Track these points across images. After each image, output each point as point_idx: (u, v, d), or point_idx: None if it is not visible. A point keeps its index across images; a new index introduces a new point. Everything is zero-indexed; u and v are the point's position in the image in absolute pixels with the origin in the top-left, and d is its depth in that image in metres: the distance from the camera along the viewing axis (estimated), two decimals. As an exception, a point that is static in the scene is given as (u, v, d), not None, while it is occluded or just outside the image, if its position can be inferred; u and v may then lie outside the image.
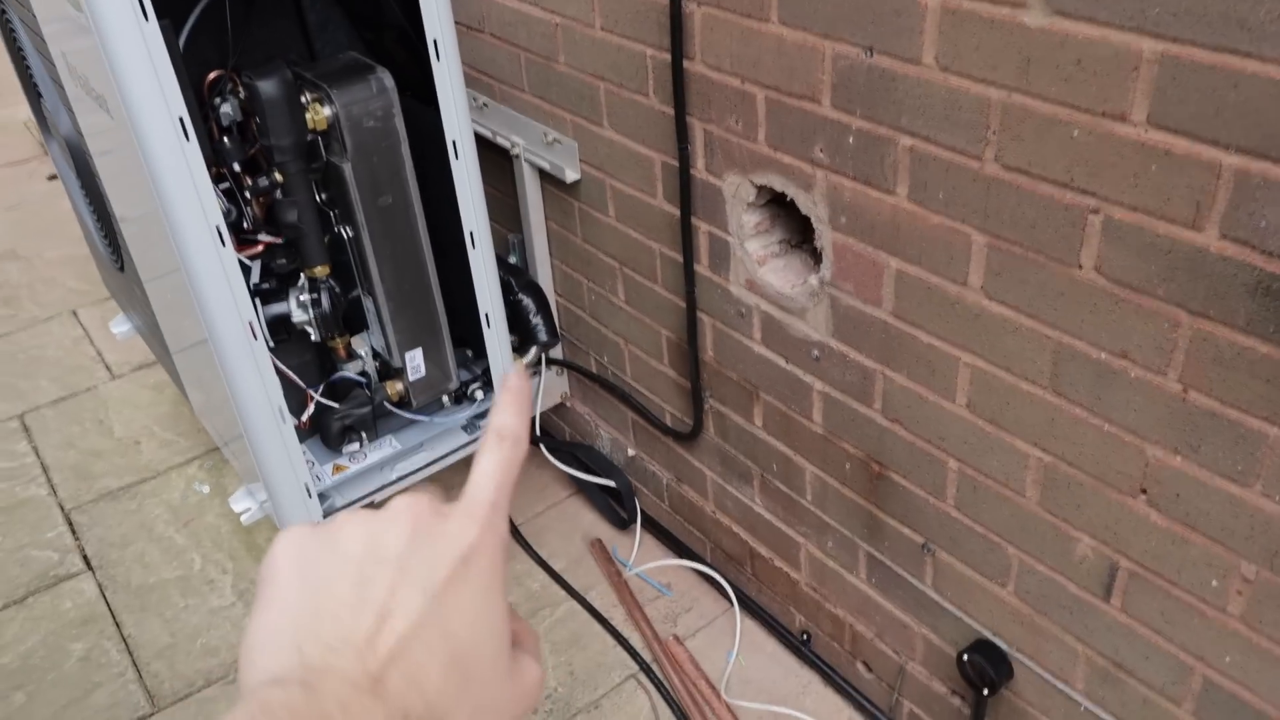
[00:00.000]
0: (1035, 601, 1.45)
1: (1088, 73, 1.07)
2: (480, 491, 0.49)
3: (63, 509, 2.56)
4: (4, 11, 2.12)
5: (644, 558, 2.28)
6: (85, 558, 2.42)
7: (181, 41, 1.62)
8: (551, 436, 2.56)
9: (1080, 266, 1.17)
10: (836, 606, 1.88)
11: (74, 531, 2.50)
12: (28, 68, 2.21)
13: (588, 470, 2.36)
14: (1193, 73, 0.99)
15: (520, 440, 0.50)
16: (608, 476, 2.32)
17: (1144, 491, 1.23)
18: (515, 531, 2.37)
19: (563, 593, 2.23)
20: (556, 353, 2.33)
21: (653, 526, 2.33)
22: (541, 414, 2.33)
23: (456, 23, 1.98)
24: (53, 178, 3.98)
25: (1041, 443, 1.32)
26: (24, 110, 4.29)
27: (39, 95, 2.25)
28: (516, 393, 0.51)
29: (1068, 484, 1.31)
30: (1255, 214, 0.99)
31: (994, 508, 1.44)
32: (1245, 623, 1.18)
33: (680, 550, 2.26)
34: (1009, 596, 1.48)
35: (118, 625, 2.24)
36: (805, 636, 2.01)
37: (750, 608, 2.12)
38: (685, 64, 1.59)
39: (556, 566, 2.28)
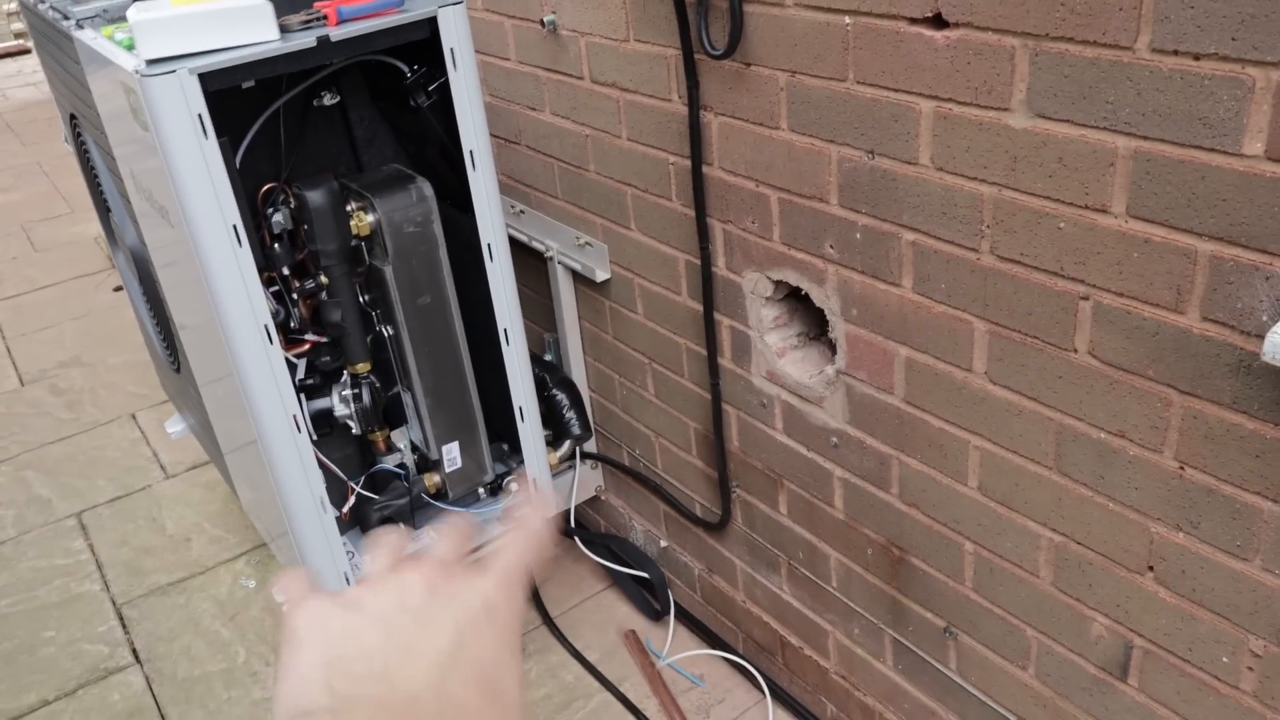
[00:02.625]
0: (1056, 684, 1.46)
1: (1069, 169, 1.15)
2: (500, 559, 0.52)
3: (114, 604, 2.64)
4: (79, 134, 2.30)
5: (677, 648, 2.30)
6: (134, 651, 2.49)
7: (238, 156, 1.75)
8: (585, 529, 2.61)
9: (1075, 350, 1.23)
10: (866, 694, 1.88)
11: (124, 626, 2.57)
12: (99, 185, 2.38)
13: (621, 562, 2.40)
14: (1164, 167, 1.06)
15: (543, 529, 0.54)
16: (641, 568, 2.36)
17: (1151, 569, 1.25)
18: (550, 623, 2.40)
19: (596, 684, 2.25)
20: (590, 446, 2.40)
21: (685, 617, 2.35)
22: (576, 507, 2.39)
23: (495, 136, 2.12)
24: (118, 289, 4.19)
25: (1051, 523, 1.36)
26: (94, 227, 4.56)
27: (108, 210, 2.42)
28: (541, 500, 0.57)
29: (1078, 563, 1.34)
30: (1231, 296, 1.05)
31: (1010, 589, 1.46)
32: (1259, 699, 1.19)
33: (713, 641, 2.28)
34: (1030, 679, 1.49)
35: (163, 717, 2.30)
36: (837, 728, 2.01)
37: (782, 698, 2.12)
38: (704, 169, 1.69)
39: (591, 658, 2.31)
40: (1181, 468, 1.17)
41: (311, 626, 0.48)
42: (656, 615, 2.38)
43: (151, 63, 1.48)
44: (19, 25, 9.11)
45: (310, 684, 0.45)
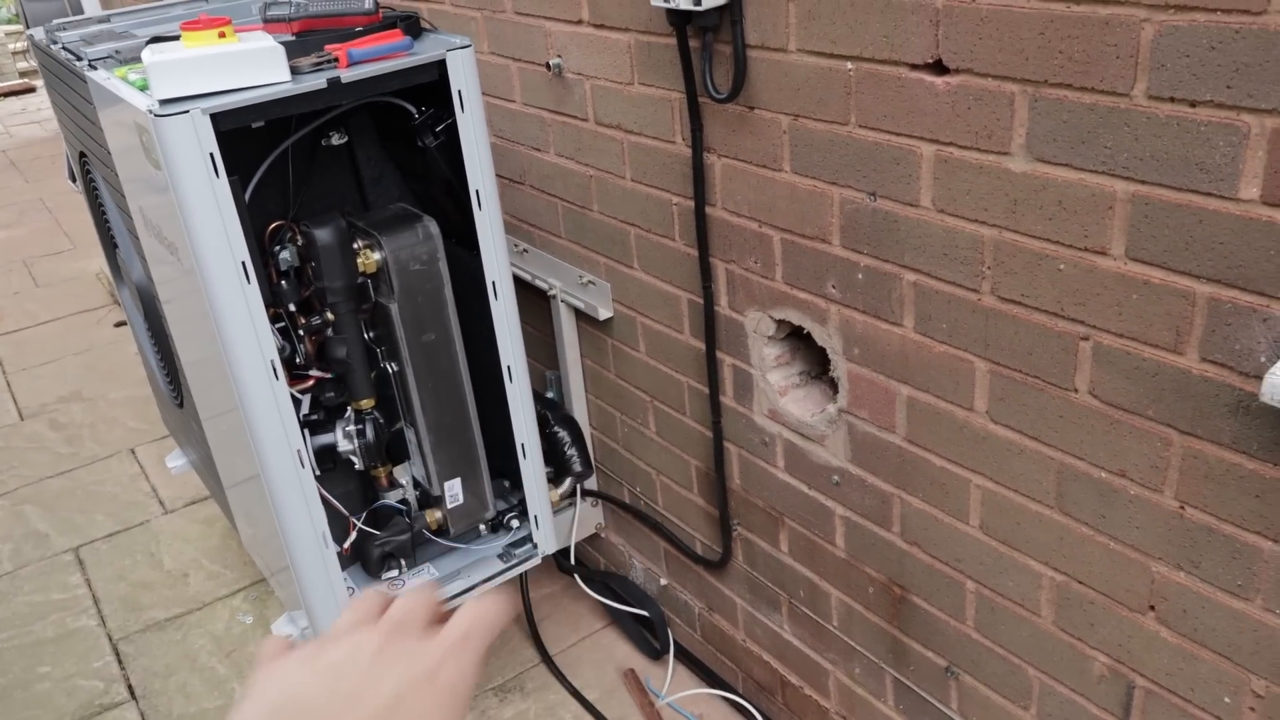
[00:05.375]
0: (1059, 724, 1.46)
1: (1069, 212, 1.17)
2: (456, 626, 0.56)
3: (111, 639, 2.63)
4: (89, 172, 2.32)
5: (676, 687, 2.29)
6: (130, 687, 2.47)
7: (247, 195, 1.78)
8: (585, 566, 2.60)
9: (1076, 390, 1.24)
10: (867, 736, 1.88)
11: (120, 661, 2.56)
12: (106, 222, 2.41)
13: (621, 600, 2.40)
14: (1162, 211, 1.08)
15: (500, 608, 0.58)
16: (641, 606, 2.36)
17: (1152, 608, 1.26)
18: (548, 661, 2.39)
19: (595, 724, 2.24)
20: (591, 484, 2.40)
21: (685, 656, 2.35)
22: (576, 545, 2.39)
23: (500, 176, 2.15)
24: (120, 325, 4.21)
25: (1052, 562, 1.36)
26: (95, 263, 4.59)
27: (114, 246, 2.44)
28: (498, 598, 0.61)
29: (1080, 603, 1.35)
30: (1230, 338, 1.07)
31: (1012, 628, 1.46)
32: (1262, 740, 1.19)
33: (712, 680, 2.27)
34: (1033, 720, 1.49)
35: (158, 755, 2.28)
36: (838, 769, 2.00)
37: (782, 739, 2.11)
38: (707, 210, 1.72)
39: (590, 697, 2.29)
40: (1182, 507, 1.18)
41: (272, 676, 0.53)
42: (656, 654, 2.37)
43: (165, 102, 1.50)
44: (24, 64, 9.21)
45: None
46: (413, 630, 0.56)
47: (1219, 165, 1.02)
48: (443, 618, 0.57)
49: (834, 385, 1.63)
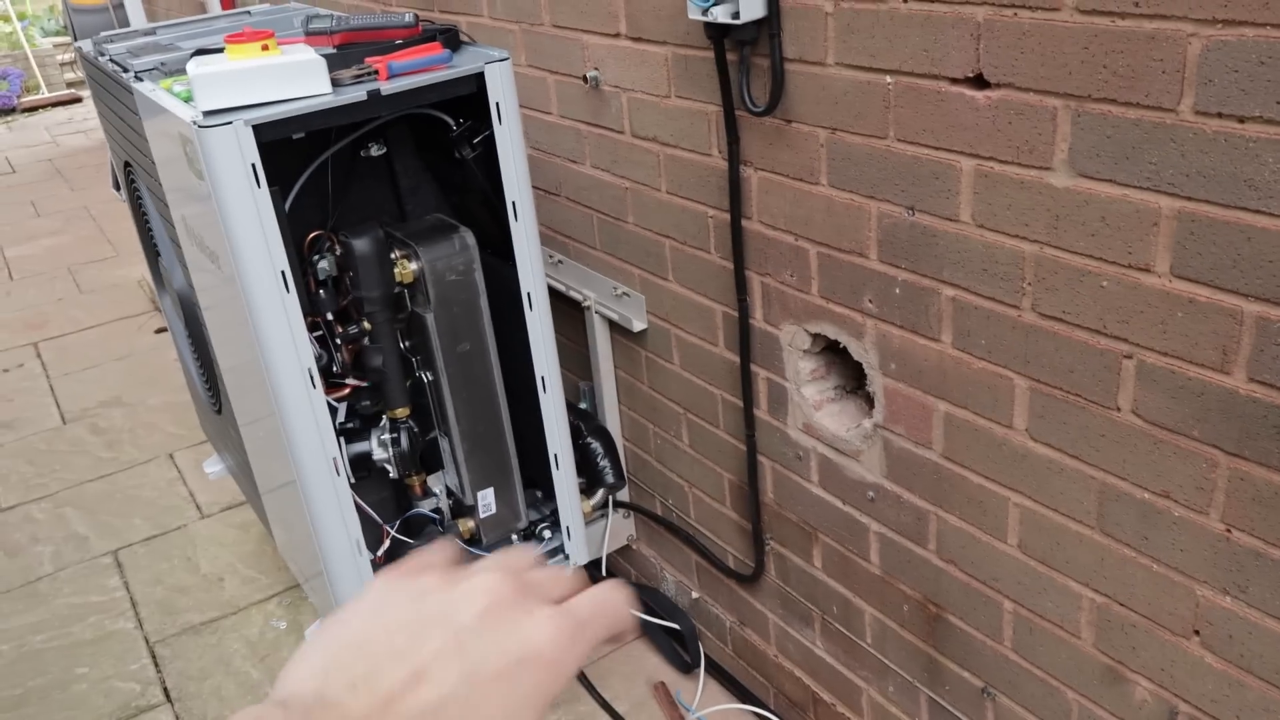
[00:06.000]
0: (1098, 749, 1.43)
1: (1112, 228, 1.15)
2: (578, 608, 0.48)
3: (147, 642, 2.66)
4: (133, 181, 2.36)
5: (707, 702, 2.28)
6: (165, 690, 2.50)
7: (287, 204, 1.79)
8: (617, 578, 2.59)
9: (1118, 409, 1.22)
10: (900, 755, 1.85)
11: (156, 664, 2.58)
12: (149, 230, 2.44)
13: (652, 613, 2.39)
14: (1208, 228, 1.06)
15: (627, 604, 0.50)
16: (672, 619, 2.35)
17: (1197, 633, 1.23)
18: (579, 672, 2.39)
19: (625, 737, 2.23)
20: (623, 496, 2.40)
21: (716, 670, 2.33)
22: (608, 556, 2.38)
23: (536, 188, 2.15)
24: (160, 331, 4.27)
25: (1093, 583, 1.34)
26: (138, 270, 4.65)
27: (157, 255, 2.47)
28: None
29: (1121, 625, 1.32)
30: (1279, 358, 1.04)
31: (1051, 650, 1.44)
32: (1309, 770, 1.16)
33: (743, 695, 2.26)
34: (1071, 743, 1.47)
35: (192, 759, 2.30)
36: (870, 788, 1.97)
37: (814, 757, 2.09)
38: (743, 223, 1.71)
39: (620, 709, 2.29)
40: (1228, 530, 1.15)
41: (371, 598, 0.46)
42: (687, 668, 2.36)
43: (208, 114, 1.52)
44: (71, 75, 9.39)
45: (316, 662, 0.44)
46: (544, 597, 0.48)
47: (1268, 182, 1.00)
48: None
49: (870, 400, 1.61)
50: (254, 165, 1.54)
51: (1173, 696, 1.29)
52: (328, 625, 0.46)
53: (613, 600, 0.49)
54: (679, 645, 2.36)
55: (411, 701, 0.42)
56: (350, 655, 0.44)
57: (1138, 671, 1.33)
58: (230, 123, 1.51)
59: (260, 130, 1.54)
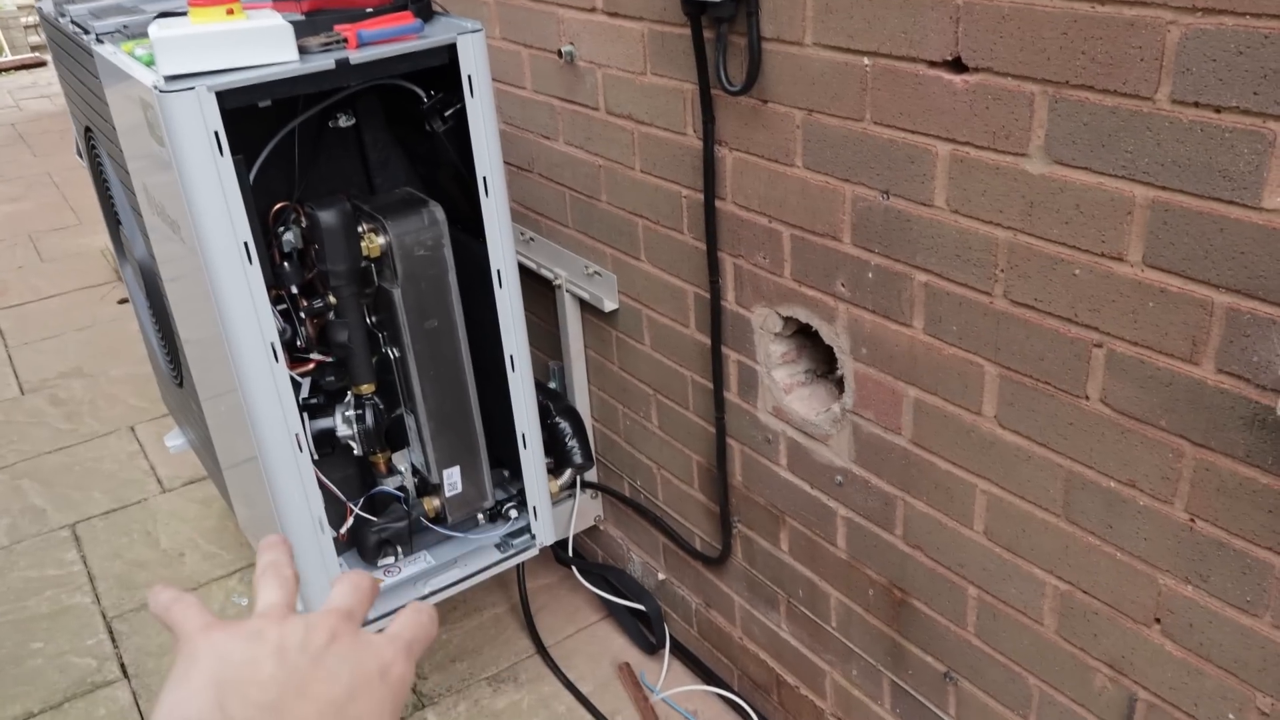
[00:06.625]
0: (1057, 735, 1.44)
1: (1086, 216, 1.15)
2: (403, 631, 0.56)
3: (104, 617, 2.62)
4: (94, 147, 2.30)
5: (671, 683, 2.28)
6: (123, 666, 2.46)
7: (252, 174, 1.76)
8: (583, 559, 2.59)
9: (1087, 397, 1.22)
10: (862, 739, 1.86)
11: (114, 640, 2.55)
12: (111, 198, 2.39)
13: (618, 594, 2.38)
14: (1182, 217, 1.06)
15: (434, 621, 0.58)
16: (638, 600, 2.34)
17: (1158, 621, 1.24)
18: (543, 652, 2.38)
19: (589, 717, 2.22)
20: (591, 476, 2.39)
21: (681, 652, 2.33)
22: (574, 537, 2.37)
23: (508, 163, 2.12)
24: (123, 301, 4.19)
25: (1057, 570, 1.34)
26: (101, 239, 4.57)
27: (118, 223, 2.42)
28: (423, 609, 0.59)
29: (1084, 613, 1.33)
30: (1247, 349, 1.04)
31: (1014, 636, 1.45)
32: (1265, 759, 1.18)
33: (708, 676, 2.26)
34: (1031, 729, 1.48)
35: (149, 735, 2.27)
36: (831, 770, 1.98)
37: (776, 739, 2.10)
38: (717, 203, 1.70)
39: (584, 689, 2.28)
40: (1192, 520, 1.16)
41: (212, 648, 0.50)
42: (652, 649, 2.35)
43: (170, 79, 1.48)
44: (36, 38, 9.19)
45: (200, 698, 0.48)
46: (359, 622, 0.55)
47: (1243, 173, 1.00)
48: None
49: (840, 384, 1.61)
50: (217, 133, 1.51)
51: (1132, 683, 1.30)
52: (179, 678, 0.50)
53: (424, 616, 0.57)
54: (644, 626, 2.36)
55: (308, 709, 0.48)
56: (235, 689, 0.48)
57: (1099, 658, 1.33)
58: (193, 88, 1.47)
59: (224, 97, 1.50)
